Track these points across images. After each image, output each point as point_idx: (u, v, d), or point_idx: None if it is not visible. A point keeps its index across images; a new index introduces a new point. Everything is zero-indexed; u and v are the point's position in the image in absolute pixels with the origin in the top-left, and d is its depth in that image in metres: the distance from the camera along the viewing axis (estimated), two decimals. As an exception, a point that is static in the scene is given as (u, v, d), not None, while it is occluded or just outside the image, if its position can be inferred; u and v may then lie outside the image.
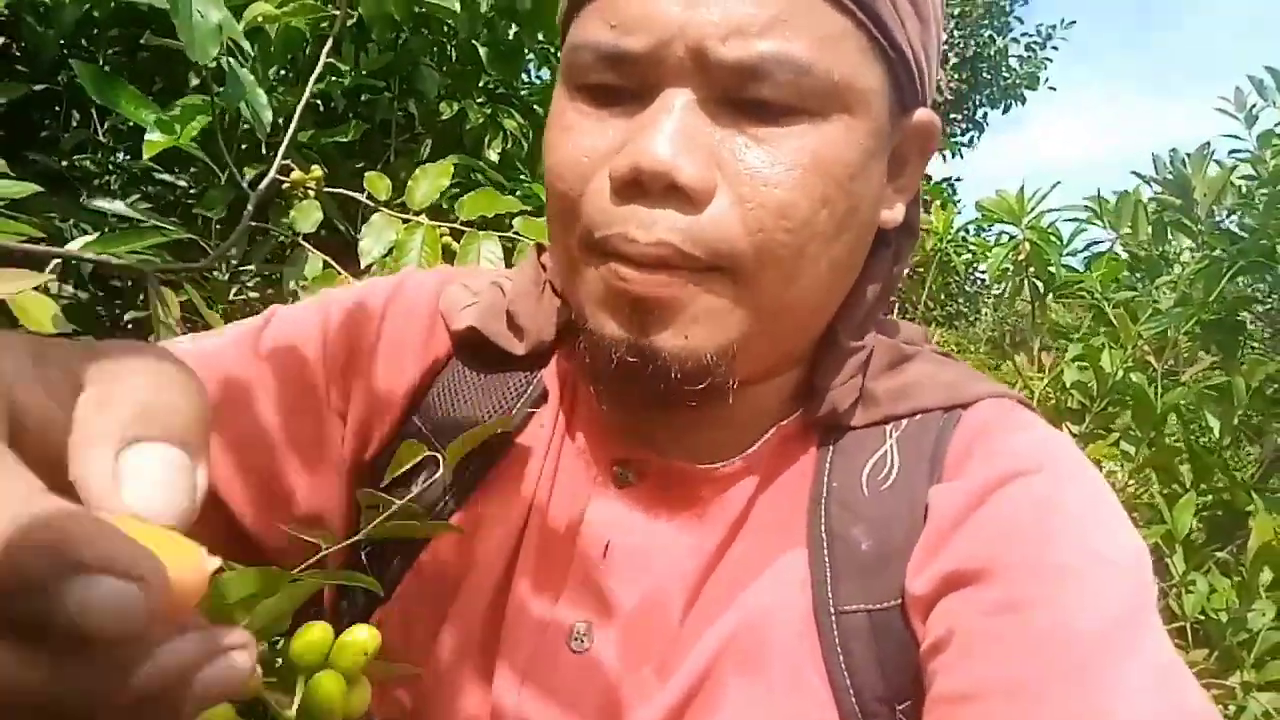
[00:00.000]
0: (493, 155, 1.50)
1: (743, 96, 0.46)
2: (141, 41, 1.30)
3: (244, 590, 0.34)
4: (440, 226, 1.15)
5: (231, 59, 1.08)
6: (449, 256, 1.15)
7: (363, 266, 1.15)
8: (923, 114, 0.53)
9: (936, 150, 0.56)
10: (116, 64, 1.46)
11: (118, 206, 1.29)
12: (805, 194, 0.46)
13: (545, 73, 1.76)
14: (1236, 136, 1.78)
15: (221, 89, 1.09)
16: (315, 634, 0.38)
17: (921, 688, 0.47)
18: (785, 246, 0.46)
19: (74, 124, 1.54)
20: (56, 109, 1.50)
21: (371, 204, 1.18)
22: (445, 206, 1.24)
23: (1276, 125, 1.72)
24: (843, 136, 0.47)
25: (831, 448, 0.54)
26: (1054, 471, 0.50)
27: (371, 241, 1.15)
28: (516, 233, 1.17)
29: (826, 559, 0.51)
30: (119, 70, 1.34)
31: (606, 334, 0.48)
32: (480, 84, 1.55)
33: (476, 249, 1.12)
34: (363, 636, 0.39)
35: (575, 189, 0.48)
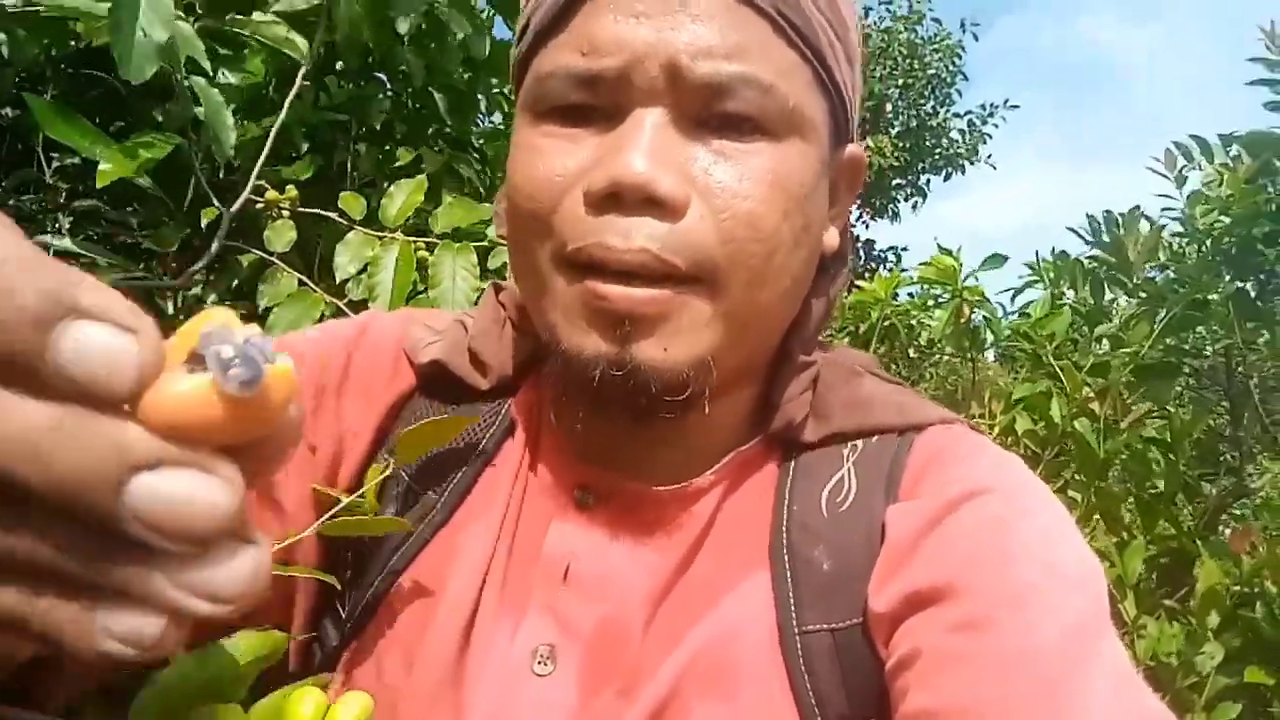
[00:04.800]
0: (449, 199, 1.50)
1: (711, 112, 0.48)
2: (97, 76, 1.29)
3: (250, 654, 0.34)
4: (415, 241, 1.14)
5: (197, 78, 1.07)
6: (423, 270, 1.14)
7: (338, 282, 1.14)
8: (853, 148, 0.57)
9: (863, 185, 0.61)
10: (70, 103, 1.44)
11: (65, 243, 1.26)
12: (771, 207, 0.48)
13: (498, 117, 1.78)
14: (1168, 196, 1.87)
15: (169, 105, 1.08)
16: (310, 704, 0.37)
17: (885, 705, 0.47)
18: (754, 256, 0.48)
19: (20, 164, 1.51)
20: (2, 147, 1.47)
21: (345, 223, 1.17)
22: (416, 220, 1.24)
23: (1204, 186, 1.81)
24: (798, 157, 0.50)
25: (791, 471, 0.55)
26: (1008, 491, 0.51)
27: (347, 259, 1.14)
28: (494, 240, 1.17)
29: (789, 580, 0.51)
30: (73, 109, 1.32)
31: (587, 352, 0.48)
32: (434, 129, 1.57)
33: (451, 262, 1.12)
34: (358, 706, 0.38)
35: (547, 207, 0.49)
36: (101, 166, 1.01)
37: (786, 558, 0.52)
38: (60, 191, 1.52)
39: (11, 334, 0.19)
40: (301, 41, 1.15)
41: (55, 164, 1.52)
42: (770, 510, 0.54)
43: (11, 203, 1.47)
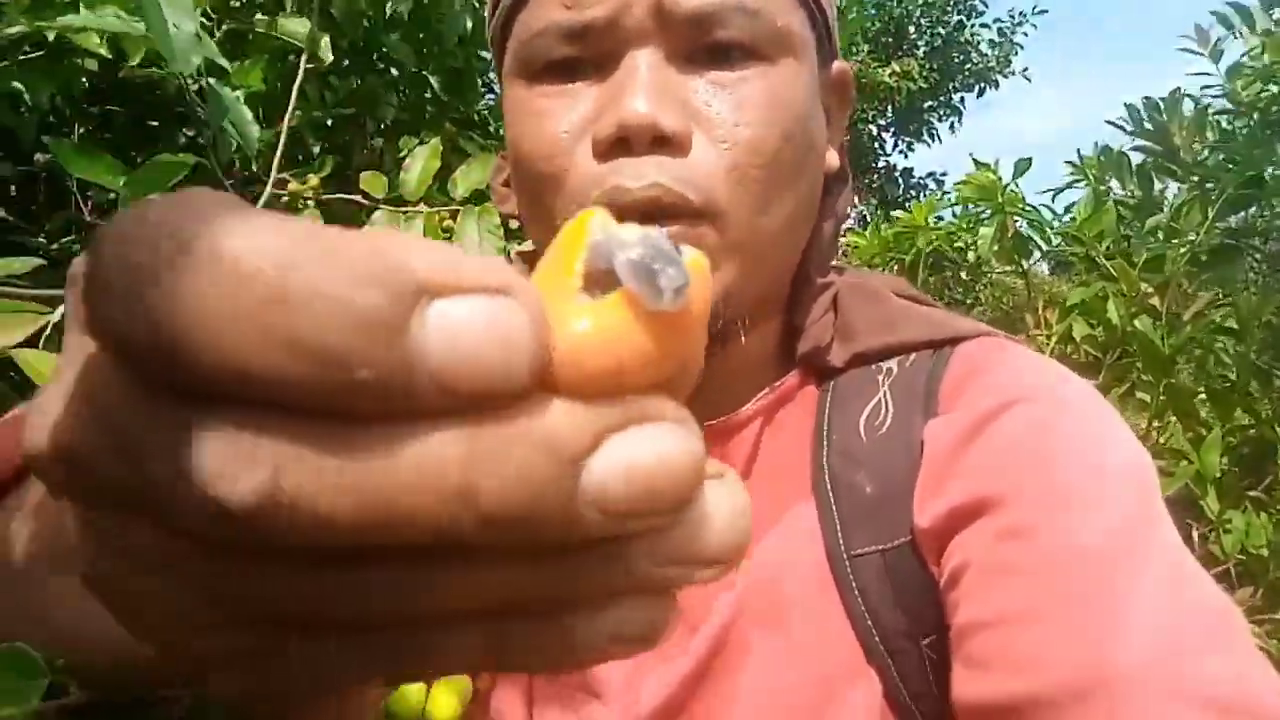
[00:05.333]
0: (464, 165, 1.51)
1: (702, 43, 0.48)
2: (116, 111, 1.32)
3: None
4: (439, 212, 1.15)
5: (210, 79, 1.09)
6: (449, 239, 1.15)
7: None
8: (838, 65, 0.57)
9: (855, 102, 0.61)
10: (93, 140, 1.48)
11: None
12: (770, 131, 0.48)
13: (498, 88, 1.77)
14: (1205, 73, 1.78)
15: (199, 110, 1.10)
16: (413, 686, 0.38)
17: (945, 622, 0.47)
18: (759, 182, 0.48)
19: (57, 206, 1.56)
20: (37, 191, 1.52)
21: (369, 204, 1.19)
22: (438, 191, 1.24)
23: (1243, 56, 1.72)
24: (793, 77, 0.50)
25: (828, 401, 0.55)
26: (1049, 395, 0.50)
27: None
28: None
29: (834, 507, 0.51)
30: (96, 145, 1.36)
31: None
32: (434, 112, 1.56)
33: (474, 226, 1.12)
34: (459, 686, 0.38)
35: (560, 166, 0.49)
36: (122, 195, 1.04)
37: (829, 486, 0.52)
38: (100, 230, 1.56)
39: (359, 357, 0.14)
40: (324, 41, 1.16)
41: (91, 202, 1.56)
42: (810, 441, 0.54)
43: (55, 247, 1.53)
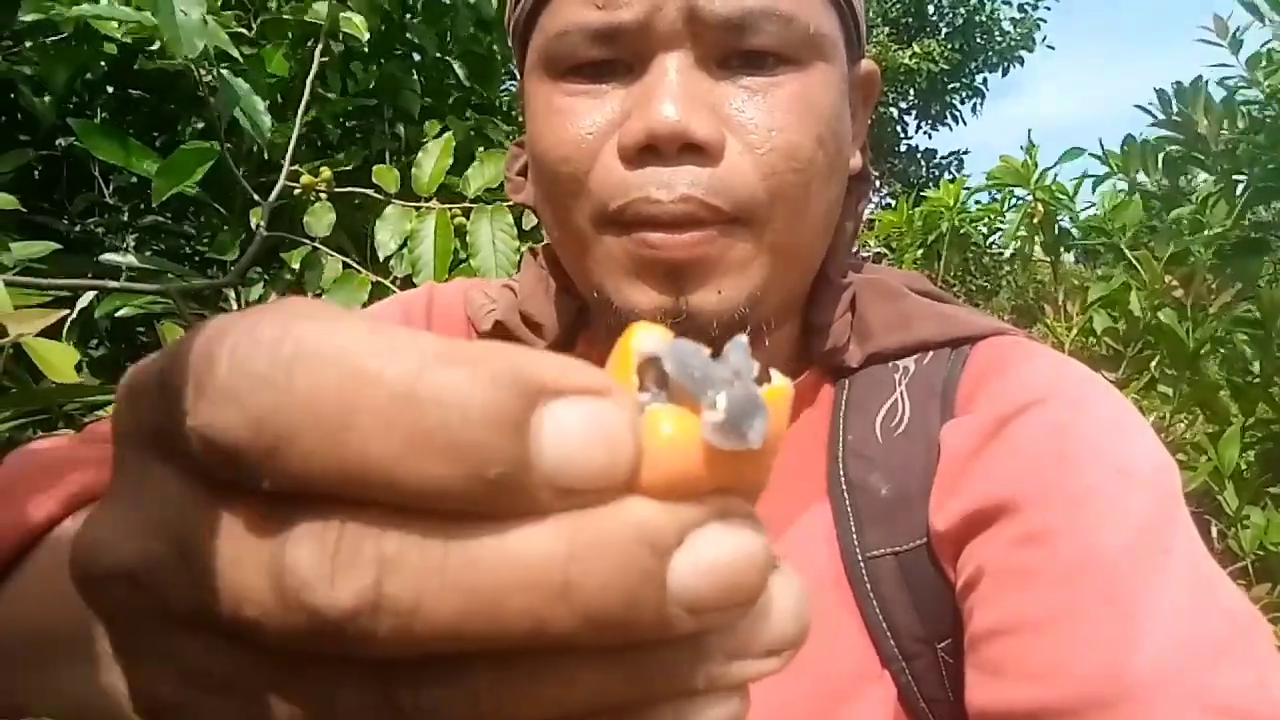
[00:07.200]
0: (478, 159, 1.51)
1: (734, 49, 0.47)
2: (134, 95, 1.32)
3: None
4: (451, 208, 1.15)
5: (223, 69, 1.09)
6: (462, 236, 1.15)
7: (381, 259, 1.16)
8: (866, 64, 0.57)
9: (878, 99, 0.60)
10: (113, 123, 1.49)
11: (130, 260, 1.31)
12: (805, 136, 0.48)
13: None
14: (1225, 65, 1.73)
15: (212, 99, 1.10)
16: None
17: (961, 626, 0.46)
18: (795, 187, 0.48)
19: (79, 188, 1.57)
20: (60, 174, 1.53)
21: (382, 198, 1.19)
22: (449, 185, 1.24)
23: (1263, 46, 1.67)
24: (823, 81, 0.49)
25: (844, 402, 0.55)
26: (1067, 396, 0.49)
27: (387, 235, 1.16)
28: (528, 196, 1.18)
29: (849, 508, 0.51)
30: (118, 129, 1.36)
31: (641, 304, 0.48)
32: (457, 98, 1.56)
33: (488, 226, 1.11)
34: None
35: (582, 167, 0.49)
36: (155, 184, 1.05)
37: (844, 487, 0.51)
38: (122, 211, 1.58)
39: (488, 454, 0.14)
40: (357, 19, 1.16)
41: (113, 184, 1.58)
42: (825, 442, 0.54)
43: (79, 228, 1.54)
